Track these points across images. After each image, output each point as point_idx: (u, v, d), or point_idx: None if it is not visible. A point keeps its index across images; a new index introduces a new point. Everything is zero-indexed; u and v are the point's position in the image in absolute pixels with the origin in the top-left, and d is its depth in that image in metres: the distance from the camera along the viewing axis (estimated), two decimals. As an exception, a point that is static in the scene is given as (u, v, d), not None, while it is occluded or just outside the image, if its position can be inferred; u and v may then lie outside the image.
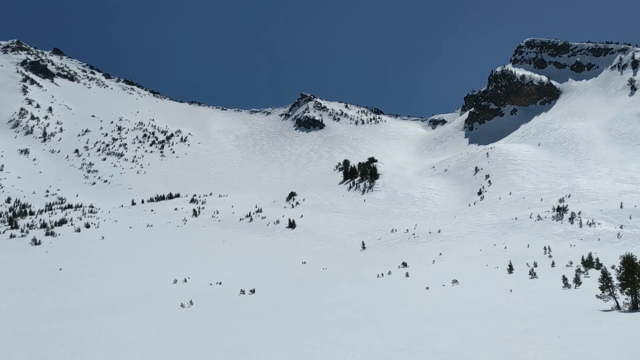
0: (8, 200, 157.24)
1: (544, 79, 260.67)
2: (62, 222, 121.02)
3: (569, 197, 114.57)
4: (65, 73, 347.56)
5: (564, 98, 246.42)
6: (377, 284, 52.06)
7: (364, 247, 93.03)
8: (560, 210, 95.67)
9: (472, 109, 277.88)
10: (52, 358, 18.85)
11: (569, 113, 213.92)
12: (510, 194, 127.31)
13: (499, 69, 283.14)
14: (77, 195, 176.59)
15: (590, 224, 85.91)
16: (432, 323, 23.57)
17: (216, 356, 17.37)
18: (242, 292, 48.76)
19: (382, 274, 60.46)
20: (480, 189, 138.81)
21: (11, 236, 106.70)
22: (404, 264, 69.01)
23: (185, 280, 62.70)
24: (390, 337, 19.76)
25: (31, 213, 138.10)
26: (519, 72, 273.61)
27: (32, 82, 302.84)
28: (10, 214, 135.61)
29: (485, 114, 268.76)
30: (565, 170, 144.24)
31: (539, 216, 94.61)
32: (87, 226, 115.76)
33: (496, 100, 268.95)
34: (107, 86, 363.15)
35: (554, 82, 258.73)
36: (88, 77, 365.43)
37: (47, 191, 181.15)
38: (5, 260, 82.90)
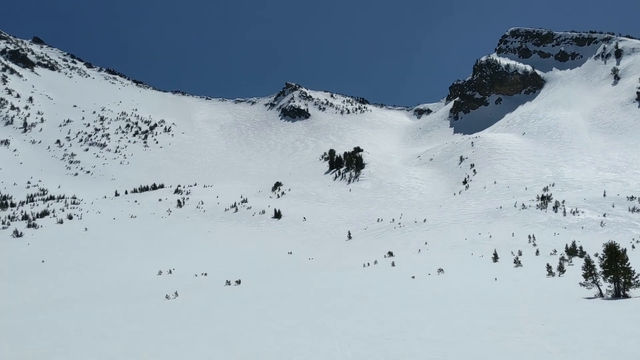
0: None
1: (529, 68, 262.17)
2: (44, 213, 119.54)
3: (553, 185, 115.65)
4: (45, 62, 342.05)
5: (548, 87, 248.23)
6: (363, 273, 52.13)
7: (350, 237, 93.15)
8: (545, 199, 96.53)
9: (457, 99, 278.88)
10: (35, 349, 18.51)
11: (553, 102, 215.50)
12: (495, 183, 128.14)
13: (483, 59, 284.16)
14: (59, 187, 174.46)
15: (574, 212, 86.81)
16: (417, 311, 23.56)
17: (200, 346, 17.16)
18: (228, 282, 48.52)
19: (368, 263, 60.56)
20: (465, 178, 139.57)
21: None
22: (390, 253, 69.21)
23: (170, 272, 62.30)
24: (376, 325, 19.70)
25: (12, 205, 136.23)
26: (504, 61, 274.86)
27: (12, 71, 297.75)
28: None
29: (470, 103, 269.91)
30: (549, 159, 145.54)
31: (523, 205, 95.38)
32: (70, 218, 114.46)
33: (481, 89, 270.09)
34: (89, 76, 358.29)
35: (538, 72, 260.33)
36: (69, 67, 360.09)
37: (29, 182, 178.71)
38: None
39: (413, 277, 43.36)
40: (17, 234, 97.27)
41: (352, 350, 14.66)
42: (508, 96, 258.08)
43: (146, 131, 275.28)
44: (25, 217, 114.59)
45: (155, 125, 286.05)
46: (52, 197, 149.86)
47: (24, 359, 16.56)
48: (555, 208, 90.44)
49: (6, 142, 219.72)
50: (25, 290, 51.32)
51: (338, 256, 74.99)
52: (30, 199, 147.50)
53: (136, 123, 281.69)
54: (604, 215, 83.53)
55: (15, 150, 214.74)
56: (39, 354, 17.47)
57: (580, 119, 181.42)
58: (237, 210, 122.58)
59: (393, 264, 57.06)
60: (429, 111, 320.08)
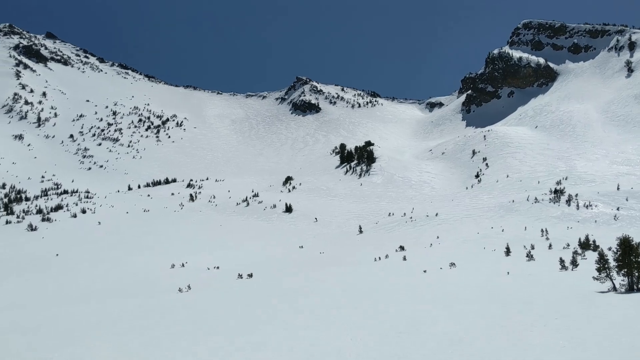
0: (3, 186, 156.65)
1: (541, 60, 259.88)
2: (58, 207, 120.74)
3: (566, 179, 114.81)
4: (58, 57, 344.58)
5: (561, 80, 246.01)
6: (374, 267, 52.16)
7: (361, 231, 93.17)
8: (557, 193, 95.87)
9: (470, 92, 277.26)
10: (50, 343, 18.79)
11: (566, 95, 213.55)
12: (507, 176, 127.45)
13: (496, 51, 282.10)
14: (72, 181, 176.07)
15: (587, 206, 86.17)
16: (429, 305, 23.58)
17: (214, 339, 17.34)
18: (240, 276, 48.81)
19: (380, 258, 60.58)
20: (477, 172, 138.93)
21: (7, 222, 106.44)
22: (402, 248, 69.16)
23: (183, 265, 62.76)
24: (389, 320, 19.76)
25: (27, 199, 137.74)
26: (516, 54, 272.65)
27: (26, 66, 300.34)
28: (5, 200, 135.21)
29: (483, 96, 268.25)
30: (562, 152, 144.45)
31: (536, 199, 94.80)
32: (84, 212, 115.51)
33: (493, 82, 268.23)
34: (102, 70, 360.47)
35: (551, 64, 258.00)
36: (82, 62, 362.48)
37: (43, 177, 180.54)
38: (1, 246, 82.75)
39: (425, 271, 43.33)
40: (32, 228, 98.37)
41: (364, 345, 14.75)
42: (520, 89, 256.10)
43: (158, 126, 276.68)
44: (39, 211, 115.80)
45: (167, 119, 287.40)
46: (65, 192, 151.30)
47: (41, 354, 16.83)
48: (568, 202, 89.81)
49: (20, 137, 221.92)
50: (41, 284, 51.97)
51: (349, 250, 75.07)
52: (44, 193, 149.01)
53: (148, 118, 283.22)
54: (618, 209, 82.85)
55: (29, 145, 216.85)
56: (56, 347, 17.75)
57: (594, 112, 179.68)
58: (248, 204, 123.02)
59: (404, 258, 57.03)
60: (440, 104, 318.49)
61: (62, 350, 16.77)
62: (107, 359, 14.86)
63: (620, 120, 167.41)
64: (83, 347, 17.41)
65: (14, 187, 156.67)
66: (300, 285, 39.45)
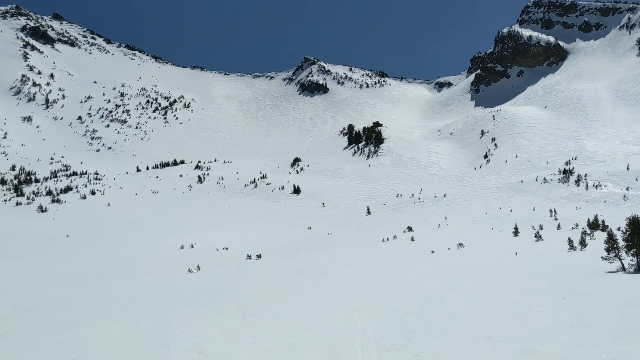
0: (13, 168, 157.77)
1: (552, 39, 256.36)
2: (68, 189, 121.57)
3: (575, 159, 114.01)
4: (65, 39, 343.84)
5: (571, 59, 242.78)
6: (382, 248, 52.30)
7: (369, 212, 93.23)
8: (567, 173, 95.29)
9: (478, 71, 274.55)
10: (63, 322, 19.03)
11: (577, 74, 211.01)
12: (516, 156, 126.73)
13: (505, 30, 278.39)
14: (81, 162, 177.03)
15: (596, 186, 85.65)
16: (437, 285, 23.64)
17: (222, 318, 17.49)
18: (249, 256, 49.10)
19: (388, 238, 60.70)
20: (486, 152, 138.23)
21: (17, 204, 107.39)
22: (410, 228, 69.23)
23: (192, 246, 63.19)
24: (397, 299, 19.84)
25: (36, 180, 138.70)
26: (526, 32, 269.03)
27: (33, 48, 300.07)
28: (15, 182, 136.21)
29: (492, 76, 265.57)
30: (571, 132, 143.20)
31: (545, 179, 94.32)
32: (93, 193, 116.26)
33: (503, 61, 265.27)
34: (109, 52, 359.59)
35: (561, 43, 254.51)
36: (89, 43, 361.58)
37: (52, 158, 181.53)
38: (12, 227, 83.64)
39: (433, 251, 43.39)
40: (42, 209, 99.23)
41: (373, 324, 14.81)
42: (530, 68, 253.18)
43: (166, 107, 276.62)
44: (49, 193, 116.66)
45: (175, 101, 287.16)
46: (75, 173, 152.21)
47: (53, 331, 17.05)
48: (577, 182, 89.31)
49: (29, 119, 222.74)
50: (52, 264, 52.56)
51: (357, 231, 75.25)
52: (54, 174, 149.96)
53: (156, 99, 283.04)
54: (627, 189, 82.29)
55: (38, 127, 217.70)
56: (68, 326, 17.97)
57: (604, 91, 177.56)
58: (256, 186, 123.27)
59: (412, 239, 57.11)
60: (449, 84, 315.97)
61: (73, 330, 16.98)
62: (118, 338, 15.04)
63: (631, 99, 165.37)
64: (94, 327, 17.62)
65: (24, 168, 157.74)
66: (308, 266, 39.65)
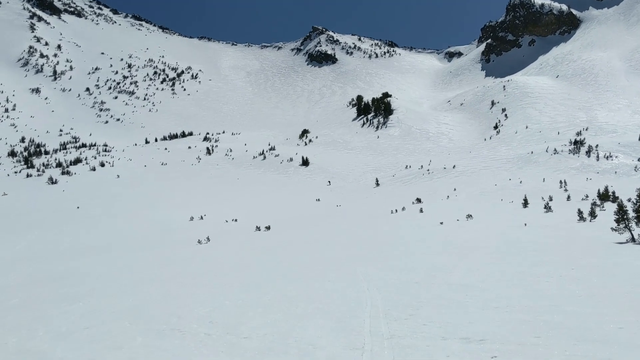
0: (22, 140, 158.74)
1: (564, 7, 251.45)
2: (77, 161, 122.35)
3: (586, 130, 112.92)
4: (72, 9, 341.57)
5: (584, 28, 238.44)
6: (391, 219, 52.38)
7: (377, 184, 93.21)
8: (577, 144, 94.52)
9: (489, 41, 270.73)
10: (73, 293, 19.30)
11: (589, 43, 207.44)
12: (526, 127, 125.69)
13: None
14: (90, 134, 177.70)
15: (607, 157, 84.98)
16: (446, 257, 23.68)
17: (232, 289, 17.65)
18: (258, 228, 49.40)
19: (396, 210, 60.76)
20: (496, 123, 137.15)
21: (28, 175, 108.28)
22: (418, 200, 69.22)
23: (202, 218, 63.61)
24: (405, 271, 19.91)
25: (46, 152, 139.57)
26: (538, 0, 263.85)
27: (39, 19, 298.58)
28: (25, 154, 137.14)
29: (503, 45, 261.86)
30: (583, 102, 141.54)
31: (555, 150, 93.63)
32: (102, 165, 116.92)
33: (514, 30, 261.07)
34: (115, 22, 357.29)
35: (574, 11, 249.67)
36: (95, 13, 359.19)
37: (61, 130, 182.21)
38: (23, 199, 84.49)
39: (441, 223, 43.41)
40: (52, 181, 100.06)
41: (381, 295, 14.89)
42: (542, 37, 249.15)
43: (173, 78, 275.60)
44: (59, 165, 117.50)
45: (182, 72, 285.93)
46: (84, 145, 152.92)
47: (65, 301, 17.30)
48: (588, 153, 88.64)
49: (37, 91, 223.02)
50: (63, 236, 53.15)
51: (366, 203, 75.36)
52: (63, 146, 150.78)
53: (163, 70, 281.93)
54: (639, 160, 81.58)
55: (46, 99, 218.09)
56: (80, 297, 18.23)
57: (617, 61, 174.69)
58: (265, 157, 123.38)
59: (421, 211, 57.12)
60: (459, 54, 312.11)
61: (85, 300, 17.23)
62: (129, 308, 15.24)
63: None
64: (105, 297, 17.86)
65: (33, 140, 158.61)
66: (316, 238, 39.84)
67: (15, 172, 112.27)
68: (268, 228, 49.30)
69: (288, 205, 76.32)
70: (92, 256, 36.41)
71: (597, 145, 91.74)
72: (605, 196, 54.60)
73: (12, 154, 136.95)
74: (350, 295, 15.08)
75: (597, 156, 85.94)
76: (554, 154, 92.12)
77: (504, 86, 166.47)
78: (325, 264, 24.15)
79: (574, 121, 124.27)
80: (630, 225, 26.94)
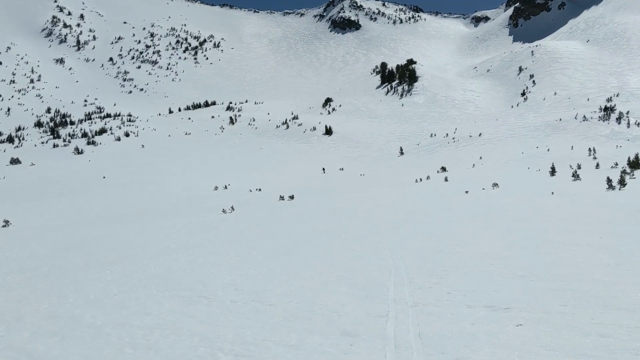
0: (48, 110, 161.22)
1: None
2: (102, 131, 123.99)
3: (617, 96, 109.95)
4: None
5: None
6: (415, 188, 52.13)
7: (402, 153, 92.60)
8: (608, 110, 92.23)
9: (517, 4, 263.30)
10: (103, 260, 19.74)
11: (622, 6, 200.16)
12: (555, 94, 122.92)
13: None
14: (114, 104, 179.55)
15: (638, 123, 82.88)
16: (471, 225, 23.51)
17: (258, 257, 17.84)
18: (282, 197, 49.66)
19: (421, 179, 60.42)
20: (524, 90, 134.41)
21: (54, 145, 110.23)
22: (443, 169, 68.66)
23: (226, 187, 64.16)
24: (429, 239, 19.84)
25: (72, 122, 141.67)
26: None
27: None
28: (51, 124, 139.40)
29: (531, 9, 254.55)
30: (614, 67, 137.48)
31: (584, 117, 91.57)
32: (127, 135, 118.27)
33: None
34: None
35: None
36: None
37: (85, 100, 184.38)
38: (51, 168, 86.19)
39: (467, 192, 43.04)
40: (78, 151, 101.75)
41: (405, 263, 14.88)
42: (572, 0, 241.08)
43: (196, 47, 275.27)
44: (84, 135, 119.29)
45: (205, 40, 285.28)
46: (108, 115, 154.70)
47: (94, 268, 17.70)
48: (618, 119, 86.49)
49: (61, 61, 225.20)
50: (91, 205, 54.21)
51: (390, 172, 75.07)
52: (88, 116, 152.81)
53: (186, 39, 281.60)
54: (672, 127, 79.41)
55: (70, 69, 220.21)
56: (109, 264, 18.62)
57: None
58: (288, 127, 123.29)
59: (446, 179, 56.69)
60: (486, 19, 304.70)
61: (113, 268, 17.60)
62: (156, 275, 15.53)
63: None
64: (133, 264, 18.22)
65: (59, 111, 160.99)
66: (341, 207, 39.89)
67: (42, 143, 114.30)
68: (292, 197, 49.50)
69: (311, 175, 76.44)
70: (121, 224, 37.10)
71: (628, 112, 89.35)
72: (635, 164, 53.36)
73: (39, 124, 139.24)
74: (375, 263, 15.11)
75: (628, 123, 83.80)
76: (583, 120, 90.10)
77: (532, 51, 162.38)
78: (349, 232, 24.20)
79: (605, 87, 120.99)
80: (661, 193, 26.33)
